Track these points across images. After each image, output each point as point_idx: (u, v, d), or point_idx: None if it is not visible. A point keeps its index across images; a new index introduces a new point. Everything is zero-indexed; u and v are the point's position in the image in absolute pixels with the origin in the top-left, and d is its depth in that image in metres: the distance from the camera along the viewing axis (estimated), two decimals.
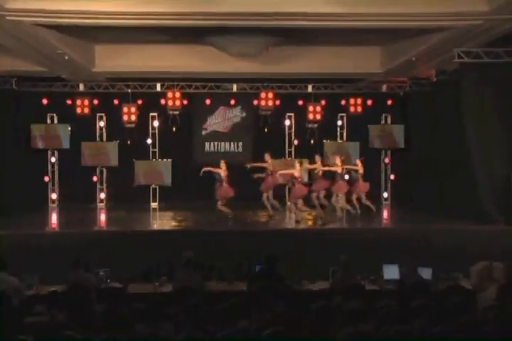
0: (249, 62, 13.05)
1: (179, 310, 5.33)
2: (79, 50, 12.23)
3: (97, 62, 13.24)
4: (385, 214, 15.04)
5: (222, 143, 16.22)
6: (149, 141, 15.94)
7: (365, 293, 6.95)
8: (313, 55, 13.23)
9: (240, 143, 16.20)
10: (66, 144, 15.49)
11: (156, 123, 15.90)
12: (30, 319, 5.09)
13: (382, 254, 9.38)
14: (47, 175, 15.82)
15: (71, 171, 15.48)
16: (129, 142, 15.40)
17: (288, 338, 4.39)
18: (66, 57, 11.83)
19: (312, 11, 9.22)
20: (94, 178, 15.97)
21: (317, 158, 13.45)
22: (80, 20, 9.55)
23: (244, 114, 16.20)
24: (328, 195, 13.22)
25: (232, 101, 16.07)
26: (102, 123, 15.95)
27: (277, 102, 15.46)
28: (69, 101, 15.43)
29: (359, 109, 15.92)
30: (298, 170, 12.45)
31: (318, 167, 13.23)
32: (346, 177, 13.50)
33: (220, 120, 16.19)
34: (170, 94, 15.03)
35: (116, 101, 15.54)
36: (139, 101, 15.43)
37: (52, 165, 15.91)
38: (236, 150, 16.18)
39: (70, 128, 15.52)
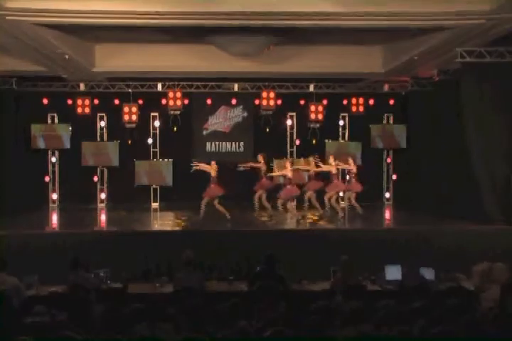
0: (251, 61, 13.02)
1: (179, 310, 5.31)
2: (79, 49, 12.19)
3: (98, 61, 13.20)
4: (387, 214, 15.04)
5: (224, 143, 16.18)
6: (150, 140, 15.91)
7: (366, 294, 6.93)
8: (314, 55, 13.18)
9: (242, 143, 16.15)
10: (66, 144, 15.48)
11: (156, 123, 15.88)
12: (30, 319, 5.08)
13: (383, 255, 9.35)
14: (47, 175, 15.81)
15: (71, 171, 15.48)
16: (129, 142, 15.40)
17: (288, 338, 4.38)
18: (66, 57, 11.80)
19: (313, 10, 9.19)
20: (95, 178, 15.95)
21: (311, 158, 13.43)
22: (81, 20, 9.52)
23: (245, 114, 16.15)
24: (321, 195, 13.24)
25: (234, 101, 16.03)
26: (102, 123, 15.93)
27: (279, 102, 15.43)
28: (69, 101, 15.41)
29: (361, 108, 15.89)
30: (289, 170, 12.48)
31: (312, 168, 13.24)
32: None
33: (221, 120, 16.16)
34: (171, 94, 15.00)
35: (116, 101, 15.52)
36: (140, 101, 15.41)
37: (53, 165, 15.90)
38: (237, 150, 16.14)
39: (70, 128, 15.51)
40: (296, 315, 5.00)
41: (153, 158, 15.89)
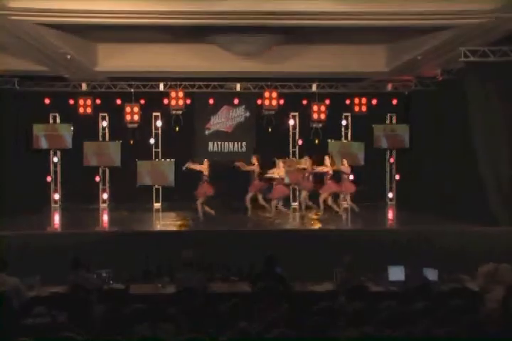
0: (253, 61, 12.98)
1: (180, 310, 5.28)
2: (81, 49, 12.19)
3: (100, 61, 13.18)
4: (390, 214, 14.98)
5: (226, 142, 16.13)
6: (152, 140, 15.90)
7: (369, 294, 6.88)
8: (317, 54, 13.13)
9: (244, 143, 16.11)
10: (68, 144, 15.46)
11: (159, 123, 15.86)
12: (30, 320, 5.04)
13: (386, 255, 9.29)
14: (49, 175, 15.79)
15: (73, 171, 15.46)
16: (131, 142, 15.38)
17: (291, 339, 4.35)
18: (68, 57, 11.79)
19: (316, 9, 9.16)
20: (97, 178, 15.94)
21: (307, 158, 13.37)
22: (83, 20, 9.52)
23: (247, 114, 16.11)
24: (316, 195, 13.17)
25: (236, 101, 15.99)
26: (104, 123, 15.91)
27: (281, 102, 15.38)
28: (71, 101, 15.36)
29: (364, 108, 15.83)
30: (281, 170, 12.44)
31: (309, 168, 13.18)
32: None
33: (223, 120, 16.12)
34: (173, 94, 14.97)
35: (118, 101, 15.50)
36: (142, 101, 15.39)
37: (55, 165, 15.89)
38: (240, 150, 16.09)
39: (72, 128, 15.49)
40: (299, 316, 4.96)
41: (156, 158, 15.88)
